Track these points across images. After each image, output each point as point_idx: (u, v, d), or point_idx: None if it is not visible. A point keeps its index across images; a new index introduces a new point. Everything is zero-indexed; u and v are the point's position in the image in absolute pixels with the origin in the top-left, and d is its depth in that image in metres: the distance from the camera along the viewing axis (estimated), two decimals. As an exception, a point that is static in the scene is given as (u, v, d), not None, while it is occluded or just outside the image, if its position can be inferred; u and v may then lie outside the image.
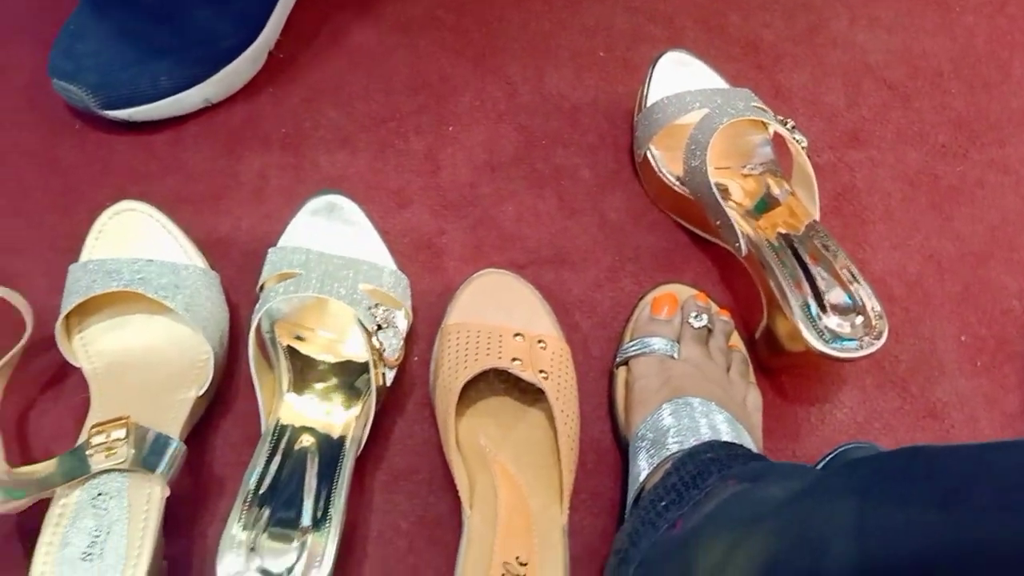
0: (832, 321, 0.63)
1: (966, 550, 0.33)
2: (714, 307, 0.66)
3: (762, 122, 0.72)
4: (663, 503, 0.53)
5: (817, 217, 0.69)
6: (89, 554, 0.49)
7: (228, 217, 0.70)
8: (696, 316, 0.64)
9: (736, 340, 0.67)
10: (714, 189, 0.67)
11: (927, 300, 0.74)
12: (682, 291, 0.67)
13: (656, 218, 0.76)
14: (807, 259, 0.66)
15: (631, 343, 0.64)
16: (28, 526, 0.56)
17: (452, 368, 0.61)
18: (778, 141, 0.74)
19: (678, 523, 0.51)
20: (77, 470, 0.51)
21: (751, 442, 0.58)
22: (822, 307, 0.63)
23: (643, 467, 0.58)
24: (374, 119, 0.76)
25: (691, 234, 0.75)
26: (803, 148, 0.69)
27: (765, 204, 0.72)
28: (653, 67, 0.76)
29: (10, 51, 0.74)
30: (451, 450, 0.59)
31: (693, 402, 0.59)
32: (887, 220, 0.78)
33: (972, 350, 0.73)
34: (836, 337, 0.62)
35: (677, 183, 0.72)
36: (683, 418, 0.58)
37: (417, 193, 0.74)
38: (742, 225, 0.68)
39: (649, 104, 0.74)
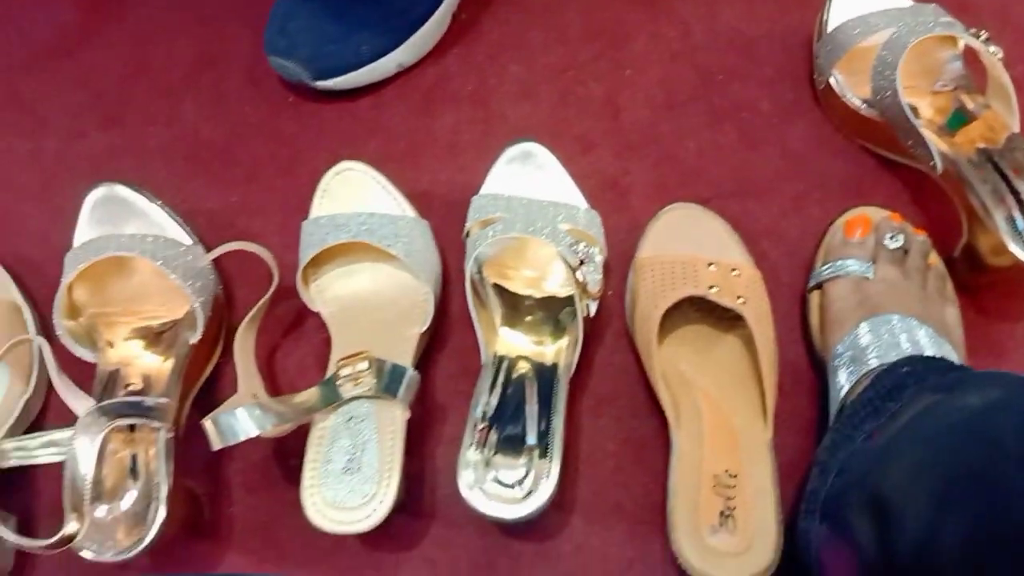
0: (1040, 232, 0.62)
1: None
2: (909, 227, 0.66)
3: (951, 37, 0.71)
4: (860, 416, 0.55)
5: (1017, 129, 0.67)
6: (349, 468, 0.57)
7: (427, 171, 0.76)
8: (891, 237, 0.64)
9: (934, 258, 0.66)
10: (906, 109, 0.66)
11: None
12: (875, 213, 0.67)
13: (841, 144, 0.76)
14: (1009, 172, 0.65)
15: (824, 266, 0.66)
16: (285, 447, 0.65)
17: (650, 298, 0.64)
18: (969, 55, 0.72)
19: (875, 434, 0.53)
20: (331, 397, 0.59)
21: (955, 356, 0.59)
22: (1027, 219, 0.62)
23: (843, 384, 0.60)
24: (554, 69, 0.80)
25: (879, 158, 0.74)
26: (999, 59, 0.67)
27: (960, 120, 0.70)
28: (832, -9, 0.75)
29: (227, 38, 0.82)
30: (655, 376, 0.62)
31: (892, 319, 0.59)
32: (1093, 130, 0.74)
33: None
34: (1044, 247, 0.61)
35: (864, 106, 0.72)
36: (882, 335, 0.59)
37: (599, 136, 0.77)
38: (937, 143, 0.67)
39: (830, 30, 0.74)
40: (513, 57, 0.81)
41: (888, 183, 0.74)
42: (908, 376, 0.54)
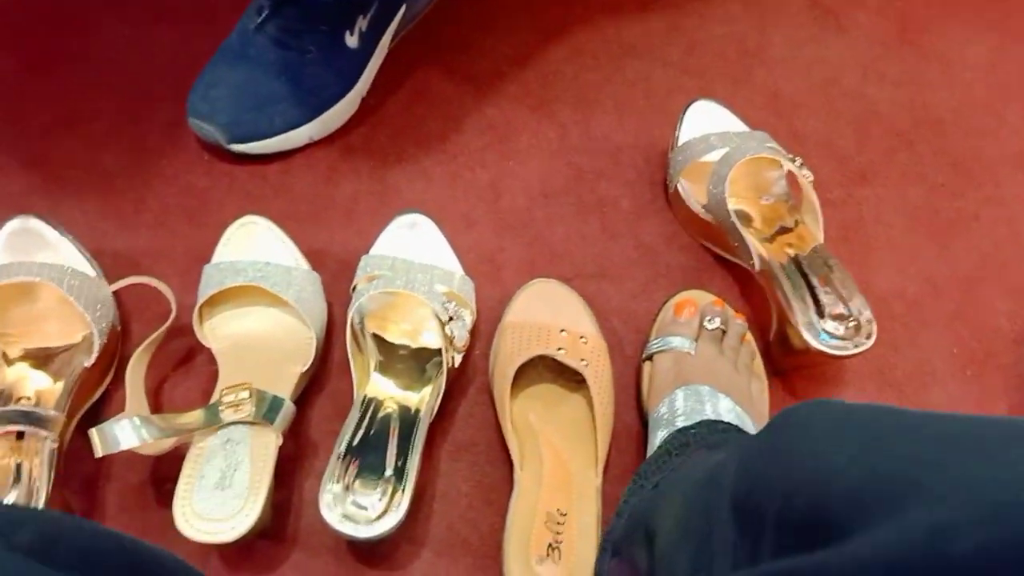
0: (830, 325, 0.74)
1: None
2: (730, 311, 0.77)
3: (778, 160, 0.85)
4: (652, 468, 0.64)
5: (821, 240, 0.81)
6: (220, 484, 0.63)
7: (325, 232, 0.84)
8: (710, 319, 0.75)
9: (748, 338, 0.77)
10: (732, 215, 0.79)
11: (924, 317, 0.85)
12: (701, 297, 0.78)
13: (685, 241, 0.88)
14: (811, 276, 0.78)
15: (655, 340, 0.76)
16: (160, 472, 0.70)
17: (508, 357, 0.74)
18: (793, 177, 0.86)
19: (659, 483, 0.62)
20: (212, 420, 0.65)
21: (751, 423, 0.69)
22: (821, 315, 0.75)
23: (657, 442, 0.69)
24: (447, 154, 0.91)
25: (715, 255, 0.87)
26: (809, 181, 0.81)
27: (779, 229, 0.84)
28: (684, 113, 0.89)
29: (152, 98, 0.90)
30: (506, 423, 0.71)
31: (702, 389, 0.70)
32: (890, 248, 0.89)
33: (963, 361, 0.83)
34: (833, 337, 0.73)
35: (703, 211, 0.84)
36: (691, 402, 0.69)
37: (481, 216, 0.88)
38: (757, 247, 0.80)
39: (680, 143, 0.87)
40: (411, 140, 0.91)
41: (721, 276, 0.86)
42: (694, 436, 0.65)
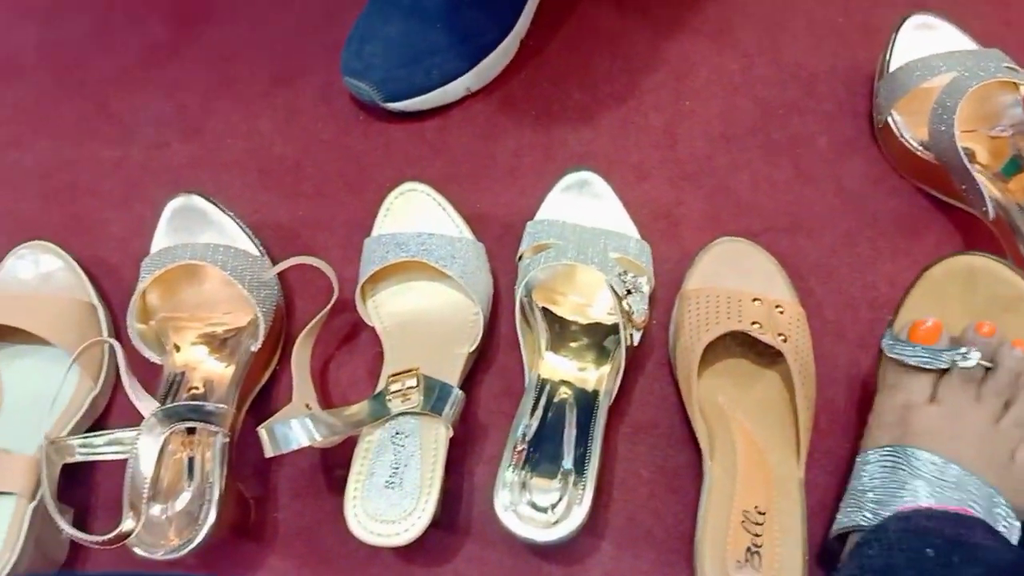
0: (1089, 287, 0.61)
1: None
2: (1002, 340, 0.55)
3: (1013, 82, 0.70)
4: None
5: (1075, 181, 0.67)
6: (391, 483, 0.59)
7: (488, 193, 0.78)
8: (966, 353, 0.54)
9: None
10: (961, 154, 0.66)
11: None
12: (958, 318, 0.58)
13: (895, 184, 0.76)
14: (1064, 224, 0.64)
15: (893, 343, 0.58)
16: (331, 458, 0.68)
17: (693, 330, 0.66)
18: (1032, 101, 0.71)
19: None
20: (380, 412, 0.62)
21: (1005, 516, 0.51)
22: (1078, 273, 0.62)
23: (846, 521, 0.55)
24: (616, 98, 0.82)
25: (933, 199, 0.74)
26: (1060, 108, 0.67)
27: (1016, 166, 0.70)
28: (896, 32, 0.76)
29: (304, 57, 0.86)
30: (693, 407, 0.64)
31: (920, 458, 0.52)
32: None
33: None
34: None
35: (920, 148, 0.72)
36: (891, 481, 0.53)
37: (656, 166, 0.79)
38: (990, 189, 0.67)
39: (892, 69, 0.74)
40: (576, 84, 0.83)
41: (941, 224, 0.74)
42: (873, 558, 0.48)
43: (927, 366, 0.56)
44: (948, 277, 0.60)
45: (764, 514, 0.60)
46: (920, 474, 0.53)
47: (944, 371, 0.56)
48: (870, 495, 0.55)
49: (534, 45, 0.84)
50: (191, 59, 0.88)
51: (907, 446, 0.54)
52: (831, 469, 0.65)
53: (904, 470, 0.53)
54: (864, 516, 0.54)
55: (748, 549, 0.58)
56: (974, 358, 0.54)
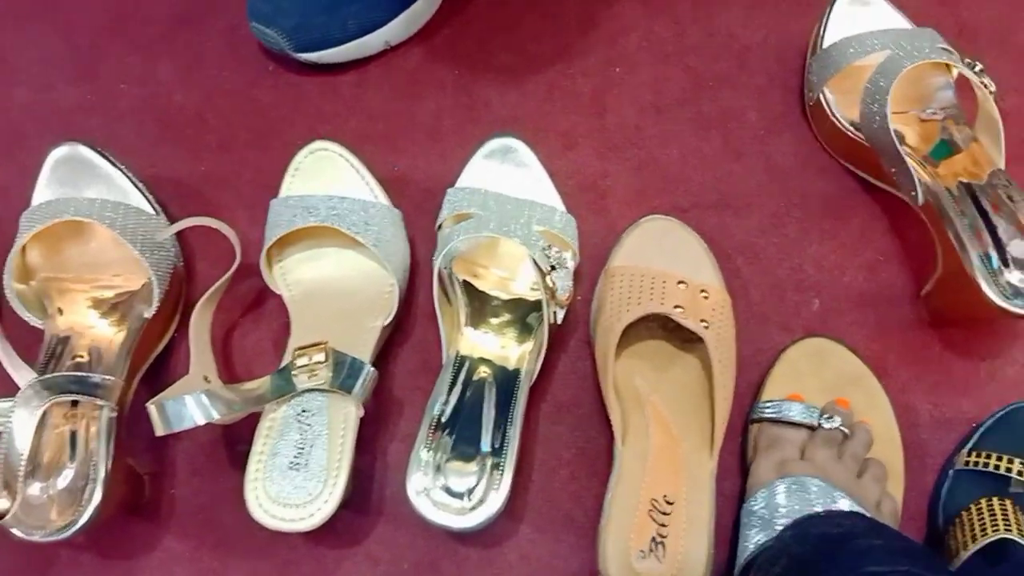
0: (1014, 276, 0.61)
1: None
2: (857, 412, 0.63)
3: (945, 64, 0.69)
4: None
5: (1002, 165, 0.66)
6: (296, 463, 0.55)
7: (406, 155, 0.74)
8: (829, 417, 0.61)
9: (875, 452, 0.62)
10: (893, 135, 0.65)
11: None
12: (817, 395, 0.64)
13: (825, 163, 0.75)
14: (989, 209, 0.64)
15: (766, 403, 0.64)
16: (233, 432, 0.64)
17: (615, 310, 0.63)
18: (961, 84, 0.71)
19: None
20: (285, 388, 0.57)
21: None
22: (1004, 261, 0.61)
23: (750, 545, 0.57)
24: (544, 60, 0.78)
25: (861, 180, 0.73)
26: (991, 93, 0.66)
27: (945, 150, 0.69)
28: (831, 7, 0.74)
29: (211, -3, 0.79)
30: (608, 388, 0.61)
31: (809, 483, 0.57)
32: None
33: None
34: (1018, 293, 0.60)
35: (851, 128, 0.70)
36: (795, 499, 0.57)
37: (583, 135, 0.76)
38: (920, 173, 0.66)
39: (825, 45, 0.72)
40: (503, 44, 0.78)
41: (868, 207, 0.73)
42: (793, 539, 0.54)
43: (803, 419, 0.61)
44: (802, 356, 0.66)
45: (672, 504, 0.58)
46: (813, 497, 0.57)
47: (809, 435, 0.62)
48: (782, 519, 0.56)
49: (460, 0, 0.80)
50: (85, -5, 0.80)
51: (801, 475, 0.58)
52: (736, 471, 0.65)
53: (802, 493, 0.57)
54: (776, 530, 0.56)
55: (653, 539, 0.57)
56: (837, 421, 0.61)
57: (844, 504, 0.56)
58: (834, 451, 0.61)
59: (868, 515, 0.56)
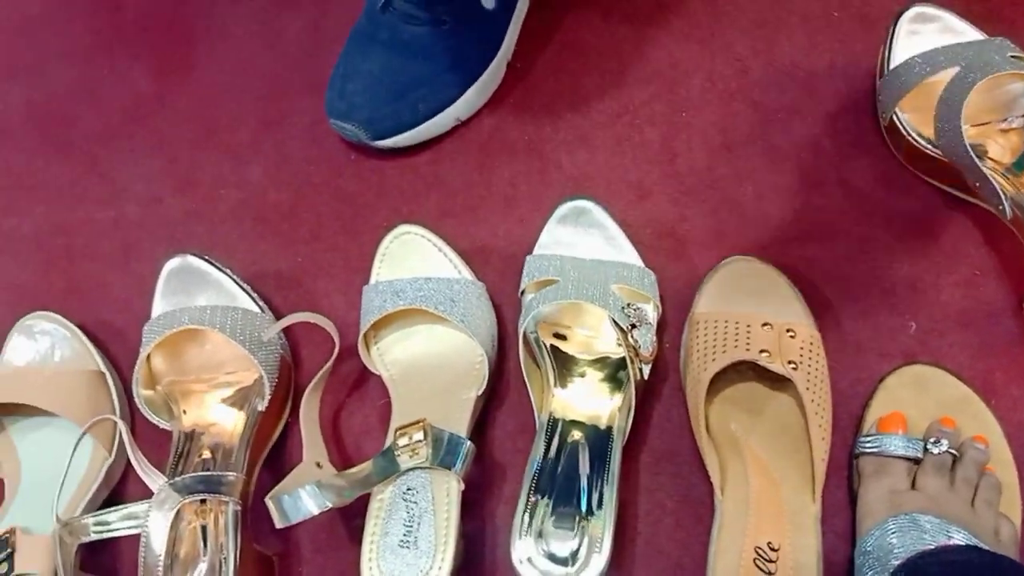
0: (1117, 286, 0.58)
1: None
2: (962, 433, 0.62)
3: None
4: None
5: (1093, 169, 0.64)
6: (405, 541, 0.58)
7: (486, 225, 0.77)
8: (935, 441, 0.60)
9: (992, 468, 0.61)
10: (971, 152, 0.64)
11: None
12: (918, 413, 0.63)
13: (908, 181, 0.73)
14: (1084, 218, 0.62)
15: (867, 438, 0.63)
16: (349, 508, 0.67)
17: (701, 358, 0.64)
18: (1045, 87, 0.68)
19: None
20: (388, 469, 0.60)
21: None
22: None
23: None
24: (609, 115, 0.79)
25: (948, 196, 0.72)
26: (1074, 97, 0.64)
27: (1029, 160, 0.67)
28: (895, 25, 0.73)
29: (289, 99, 0.84)
30: (702, 437, 0.62)
31: (922, 519, 0.56)
32: None
33: None
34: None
35: (929, 146, 0.69)
36: (910, 537, 0.56)
37: (656, 183, 0.77)
38: (1004, 186, 0.65)
39: (893, 65, 0.71)
40: (567, 104, 0.81)
41: (959, 222, 0.71)
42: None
43: (906, 452, 0.60)
44: (901, 385, 0.65)
45: (777, 550, 0.58)
46: (927, 534, 0.56)
47: (917, 462, 0.60)
48: (896, 559, 0.54)
49: (521, 67, 0.82)
50: (176, 110, 0.86)
51: (913, 512, 0.57)
52: (843, 509, 0.64)
53: (916, 532, 0.56)
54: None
55: (762, 586, 0.57)
56: (944, 445, 0.60)
57: (959, 538, 0.55)
58: (946, 479, 0.59)
59: (984, 547, 0.55)
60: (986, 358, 0.67)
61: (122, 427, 0.62)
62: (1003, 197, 0.63)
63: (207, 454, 0.65)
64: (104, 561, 0.68)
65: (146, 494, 0.64)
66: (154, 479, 0.60)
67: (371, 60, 0.76)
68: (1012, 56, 0.66)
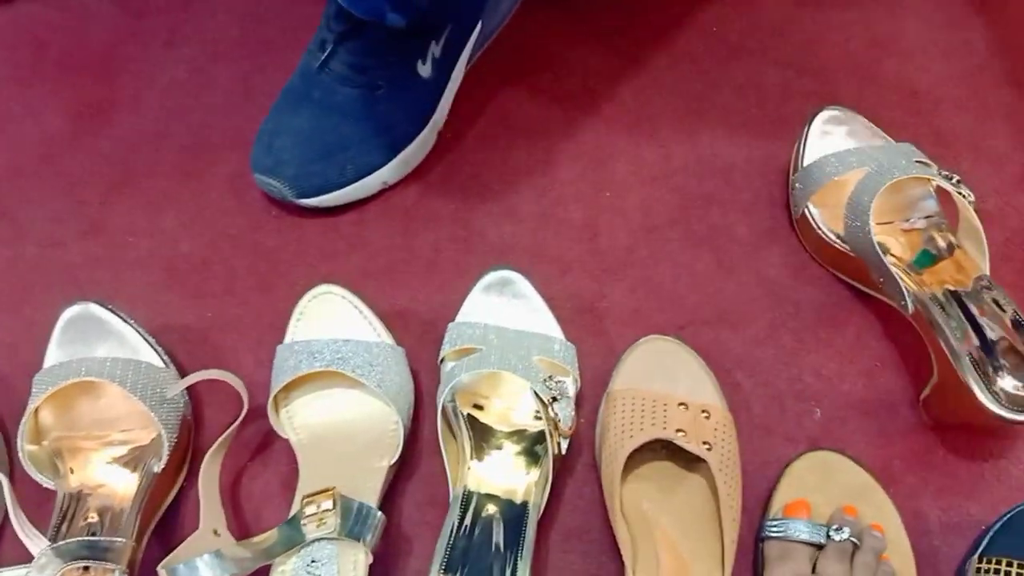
0: (1008, 383, 0.62)
1: None
2: (863, 522, 0.63)
3: (926, 178, 0.72)
4: None
5: (987, 271, 0.68)
6: (308, 615, 0.55)
7: (406, 289, 0.76)
8: (838, 528, 0.61)
9: (887, 556, 0.62)
10: (877, 250, 0.67)
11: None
12: (822, 501, 0.64)
13: (815, 273, 0.76)
14: (976, 314, 0.65)
15: (772, 521, 0.63)
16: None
17: (617, 436, 0.64)
18: (942, 191, 0.73)
19: None
20: (293, 539, 0.57)
21: None
22: (996, 368, 0.62)
23: None
24: (536, 190, 0.81)
25: (852, 288, 0.75)
26: (970, 203, 0.68)
27: (928, 258, 0.71)
28: (809, 125, 0.77)
29: (212, 150, 0.83)
30: (615, 516, 0.61)
31: None
32: (1066, 268, 0.75)
33: None
34: (1013, 400, 0.61)
35: (837, 240, 0.73)
36: None
37: (577, 258, 0.78)
38: (907, 283, 0.68)
39: (806, 163, 0.75)
40: (495, 176, 0.81)
41: (861, 314, 0.74)
42: None
43: (810, 538, 0.61)
44: (807, 470, 0.66)
45: (691, 632, 0.58)
46: None
47: (819, 548, 0.61)
48: None
49: (452, 137, 0.83)
50: (91, 152, 0.83)
51: None
52: None
53: None
54: None
55: (676, 670, 0.56)
56: (846, 532, 0.61)
57: None
58: (846, 565, 0.60)
59: None
60: (886, 446, 0.69)
61: (5, 484, 0.57)
62: (906, 293, 0.67)
63: (94, 517, 0.60)
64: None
65: (23, 557, 0.59)
66: (35, 542, 0.55)
67: (301, 117, 0.76)
68: (917, 161, 0.70)
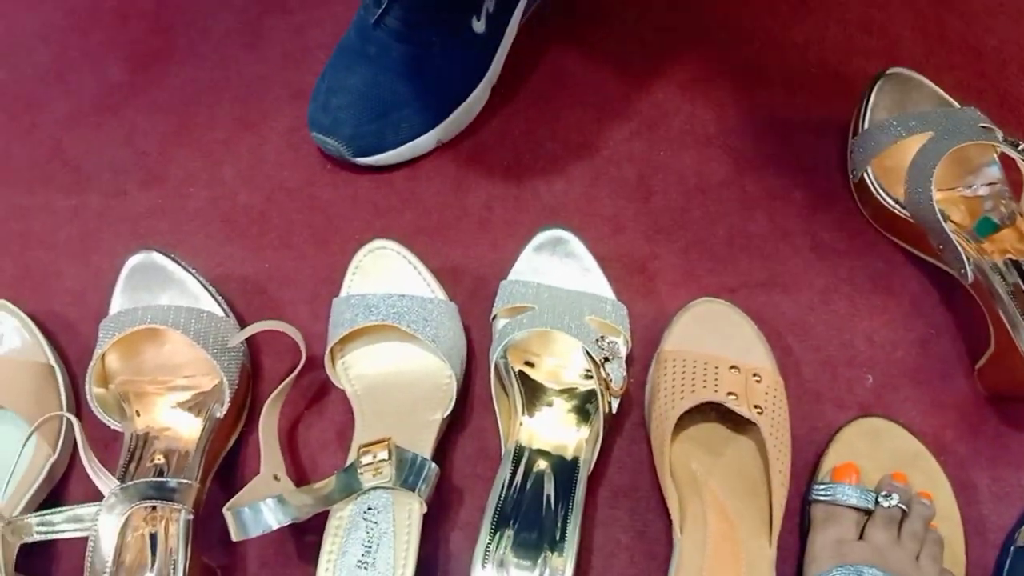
0: (1067, 355, 0.61)
1: None
2: (912, 489, 0.63)
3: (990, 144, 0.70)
4: None
5: (1051, 242, 0.67)
6: (363, 562, 0.57)
7: (459, 246, 0.77)
8: (886, 495, 0.61)
9: (935, 522, 0.62)
10: (939, 216, 0.66)
11: None
12: (872, 466, 0.64)
13: (872, 238, 0.76)
14: (1040, 286, 0.64)
15: (821, 486, 0.63)
16: (302, 524, 0.66)
17: (668, 397, 0.64)
18: (1007, 158, 0.71)
19: None
20: (351, 487, 0.59)
21: None
22: (1056, 341, 0.62)
23: None
24: (589, 148, 0.80)
25: (910, 255, 0.74)
26: (1036, 170, 0.67)
27: (989, 226, 0.70)
28: (872, 87, 0.75)
29: (268, 101, 0.83)
30: (664, 476, 0.62)
31: (865, 572, 0.57)
32: None
33: None
34: (1072, 373, 0.60)
35: (896, 206, 0.71)
36: None
37: (630, 219, 0.78)
38: (967, 250, 0.67)
39: (867, 126, 0.74)
40: (548, 134, 0.81)
41: (918, 281, 0.74)
42: None
43: (859, 503, 0.62)
44: (857, 436, 0.66)
45: (735, 593, 0.59)
46: None
47: (868, 514, 0.62)
48: None
49: (505, 94, 0.83)
50: (150, 103, 0.84)
51: (858, 564, 0.58)
52: (794, 555, 0.64)
53: None
54: None
55: (717, 632, 0.57)
56: (895, 499, 0.61)
57: None
58: (893, 532, 0.61)
59: None
60: (938, 415, 0.69)
61: (76, 425, 0.59)
62: (966, 261, 0.66)
63: (160, 459, 0.63)
64: (37, 564, 0.65)
65: (88, 495, 0.62)
66: (105, 482, 0.57)
67: (357, 75, 0.76)
68: (982, 126, 0.69)
